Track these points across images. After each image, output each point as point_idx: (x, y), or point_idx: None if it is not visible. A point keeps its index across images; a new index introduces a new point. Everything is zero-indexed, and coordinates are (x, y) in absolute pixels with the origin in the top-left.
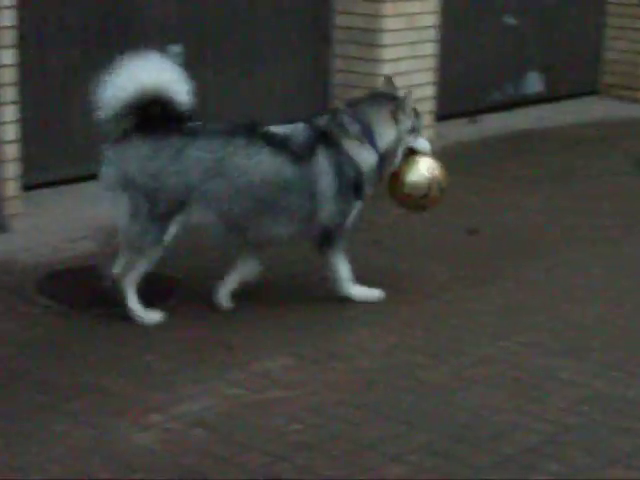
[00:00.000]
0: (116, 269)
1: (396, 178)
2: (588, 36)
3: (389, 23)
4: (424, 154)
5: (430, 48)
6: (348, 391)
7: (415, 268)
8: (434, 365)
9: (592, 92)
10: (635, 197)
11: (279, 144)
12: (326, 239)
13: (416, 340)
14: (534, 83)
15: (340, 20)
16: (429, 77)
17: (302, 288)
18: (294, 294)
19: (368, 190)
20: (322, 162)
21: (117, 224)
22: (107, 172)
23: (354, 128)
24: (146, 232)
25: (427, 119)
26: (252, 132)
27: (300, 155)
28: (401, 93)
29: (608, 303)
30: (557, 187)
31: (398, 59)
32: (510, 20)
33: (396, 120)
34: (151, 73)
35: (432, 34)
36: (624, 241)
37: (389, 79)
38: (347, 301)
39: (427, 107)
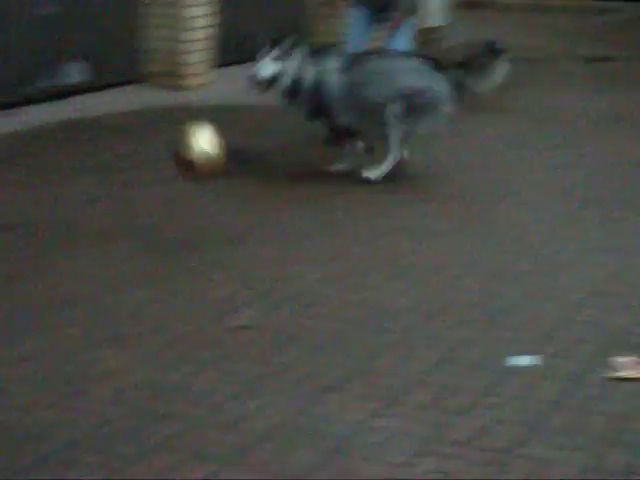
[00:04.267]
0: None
1: None
2: (130, 24)
3: None
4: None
5: None
6: None
7: None
8: None
9: (136, 80)
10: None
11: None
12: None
13: None
14: (76, 72)
15: None
16: None
17: None
18: None
19: None
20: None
21: None
22: None
23: None
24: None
25: None
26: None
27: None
28: None
29: (152, 289)
30: (103, 176)
31: None
32: (45, 10)
33: None
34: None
35: None
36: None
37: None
38: None
39: None
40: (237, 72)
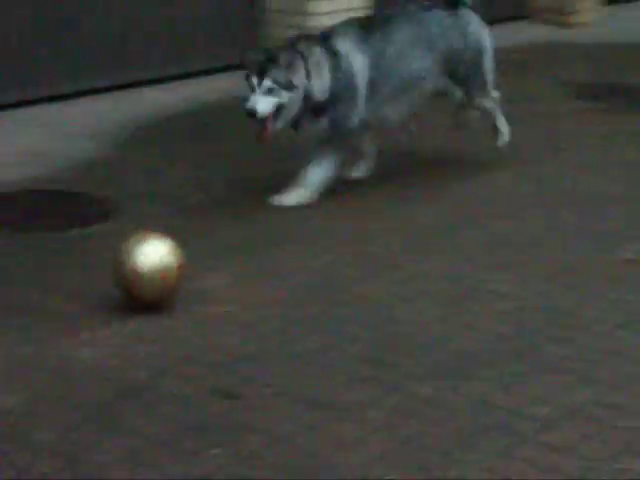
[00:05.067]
0: None
1: None
2: None
3: None
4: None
5: None
6: (285, 306)
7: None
8: (370, 280)
9: (522, 17)
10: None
11: None
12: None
13: (352, 256)
14: None
15: None
16: None
17: (235, 207)
18: (227, 213)
19: None
20: None
21: None
22: None
23: None
24: None
25: None
26: None
27: None
28: None
29: (538, 219)
30: None
31: None
32: None
33: None
34: None
35: None
36: (547, 161)
37: None
38: (282, 220)
39: None
40: (629, 9)
